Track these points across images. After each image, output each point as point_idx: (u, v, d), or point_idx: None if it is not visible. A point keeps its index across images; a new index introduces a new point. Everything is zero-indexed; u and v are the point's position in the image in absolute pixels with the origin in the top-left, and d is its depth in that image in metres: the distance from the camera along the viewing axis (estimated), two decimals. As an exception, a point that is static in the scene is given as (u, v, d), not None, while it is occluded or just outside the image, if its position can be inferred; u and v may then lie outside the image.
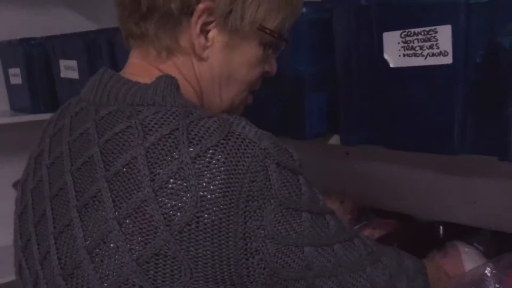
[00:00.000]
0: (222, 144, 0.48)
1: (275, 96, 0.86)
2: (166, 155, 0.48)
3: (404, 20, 0.67)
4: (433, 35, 0.64)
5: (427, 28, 0.64)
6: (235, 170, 0.47)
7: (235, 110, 0.63)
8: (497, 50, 0.61)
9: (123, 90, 0.55)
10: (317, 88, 0.83)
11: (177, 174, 0.47)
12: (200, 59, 0.59)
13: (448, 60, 0.64)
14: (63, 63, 1.33)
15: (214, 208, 0.47)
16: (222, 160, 0.47)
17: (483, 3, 0.61)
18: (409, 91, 0.69)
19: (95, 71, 1.31)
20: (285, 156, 0.52)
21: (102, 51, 1.22)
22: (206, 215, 0.47)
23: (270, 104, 0.87)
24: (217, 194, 0.47)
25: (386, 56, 0.70)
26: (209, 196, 0.47)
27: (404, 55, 0.68)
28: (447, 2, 0.63)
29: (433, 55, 0.65)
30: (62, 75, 1.35)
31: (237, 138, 0.49)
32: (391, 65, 0.69)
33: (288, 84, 0.84)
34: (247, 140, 0.49)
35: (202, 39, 0.57)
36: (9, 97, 1.58)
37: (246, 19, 0.57)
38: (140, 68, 0.59)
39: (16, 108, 1.58)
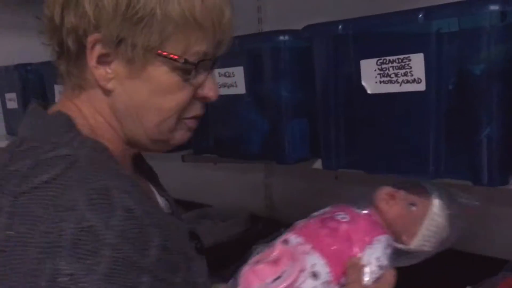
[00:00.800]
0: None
1: (258, 121, 0.88)
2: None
3: (380, 48, 0.69)
4: (407, 62, 0.66)
5: (401, 56, 0.67)
6: None
7: (170, 139, 0.62)
8: (468, 77, 0.63)
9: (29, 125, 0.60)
10: (298, 113, 0.85)
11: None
12: (107, 91, 0.58)
13: (421, 87, 0.65)
14: (57, 88, 1.36)
15: None
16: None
17: (453, 32, 0.63)
18: (386, 116, 0.71)
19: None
20: None
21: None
22: None
23: (254, 129, 0.89)
24: None
25: (363, 82, 0.72)
26: None
27: (380, 81, 0.70)
28: (419, 31, 0.65)
29: (407, 82, 0.67)
30: (57, 100, 1.37)
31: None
32: (368, 92, 0.71)
33: (271, 109, 0.86)
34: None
35: (102, 71, 0.57)
36: (5, 121, 1.61)
37: (138, 47, 0.56)
38: (61, 103, 0.61)
39: (12, 132, 1.60)
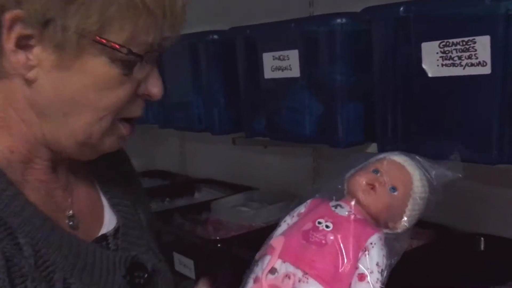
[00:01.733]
0: None
1: (312, 104, 0.88)
2: None
3: (442, 30, 0.68)
4: (472, 45, 0.65)
5: (466, 39, 0.65)
6: None
7: (100, 144, 0.55)
8: (537, 60, 0.61)
9: None
10: (353, 97, 0.85)
11: None
12: (27, 81, 0.50)
13: (486, 70, 0.64)
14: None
15: None
16: None
17: (523, 13, 0.61)
18: (447, 100, 0.69)
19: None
20: None
21: (149, 60, 1.27)
22: None
23: (307, 112, 0.90)
24: None
25: (424, 66, 0.71)
26: None
27: (442, 65, 0.68)
28: (486, 13, 0.63)
29: (472, 65, 0.65)
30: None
31: None
32: (429, 75, 0.70)
33: (325, 92, 0.86)
34: None
35: (21, 56, 0.48)
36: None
37: (71, 30, 0.47)
38: None
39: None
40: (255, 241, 1.12)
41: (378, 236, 0.60)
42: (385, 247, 0.60)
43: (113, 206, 0.64)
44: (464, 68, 0.66)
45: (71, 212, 0.59)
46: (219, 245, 1.10)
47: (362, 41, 0.81)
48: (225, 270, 1.11)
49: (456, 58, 0.66)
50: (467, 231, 1.05)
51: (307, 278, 0.56)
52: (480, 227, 1.03)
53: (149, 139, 1.95)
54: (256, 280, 0.60)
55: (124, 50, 0.49)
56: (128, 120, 0.55)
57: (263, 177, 1.53)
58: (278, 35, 0.93)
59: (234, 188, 1.56)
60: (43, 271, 0.51)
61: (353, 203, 0.61)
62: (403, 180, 0.62)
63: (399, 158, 0.64)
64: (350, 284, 0.56)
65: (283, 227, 0.64)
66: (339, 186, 0.63)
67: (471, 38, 0.64)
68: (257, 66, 0.97)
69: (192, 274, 1.19)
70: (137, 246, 0.63)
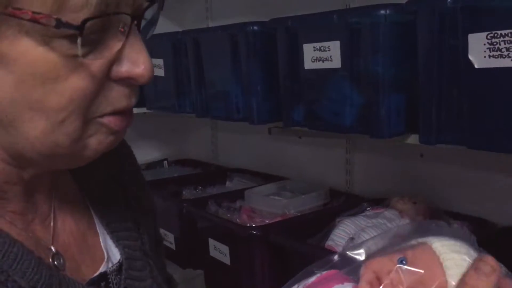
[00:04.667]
0: None
1: (353, 95, 0.89)
2: None
3: (490, 22, 0.68)
4: (521, 37, 0.65)
5: (515, 30, 0.65)
6: None
7: (81, 150, 0.42)
8: None
9: None
10: (395, 88, 0.85)
11: None
12: None
13: (535, 61, 0.64)
14: (150, 61, 1.44)
15: None
16: None
17: None
18: (493, 92, 0.70)
19: (180, 69, 1.41)
20: None
21: (187, 50, 1.30)
22: None
23: (348, 103, 0.91)
24: None
25: (471, 57, 0.71)
26: None
27: (489, 56, 0.69)
28: (536, 4, 0.63)
29: (520, 56, 0.65)
30: (149, 72, 1.45)
31: None
32: (476, 66, 0.70)
33: (366, 84, 0.87)
34: None
35: None
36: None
37: None
38: None
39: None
40: (289, 228, 1.15)
41: None
42: None
43: (112, 234, 0.54)
44: (512, 60, 0.66)
45: (53, 248, 0.48)
46: (254, 231, 1.12)
47: (405, 33, 0.82)
48: (260, 256, 1.14)
49: (504, 50, 0.67)
50: (502, 224, 1.05)
51: None
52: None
53: (181, 129, 1.99)
54: None
55: (52, 21, 0.34)
56: (116, 113, 0.42)
57: (295, 168, 1.55)
58: (319, 26, 0.95)
59: (266, 178, 1.58)
60: None
61: None
62: (433, 286, 0.42)
63: (441, 249, 0.44)
64: None
65: None
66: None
67: (520, 29, 0.65)
68: (297, 57, 0.98)
69: (227, 260, 1.21)
70: (140, 281, 0.54)
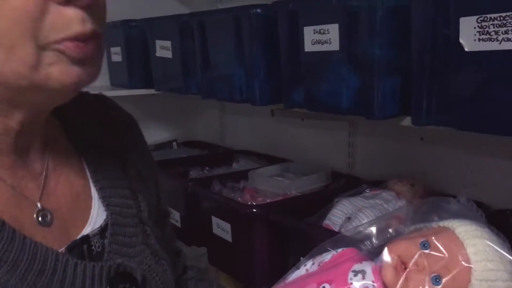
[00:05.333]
0: None
1: (351, 77, 0.91)
2: None
3: (480, 5, 0.70)
4: (509, 20, 0.66)
5: (503, 14, 0.67)
6: None
7: (42, 80, 0.41)
8: None
9: None
10: (390, 71, 0.87)
11: None
12: None
13: (522, 45, 0.66)
14: (158, 43, 1.47)
15: None
16: None
17: (562, -11, 0.62)
18: (483, 74, 0.71)
19: (187, 50, 1.43)
20: None
21: (193, 32, 1.32)
22: None
23: (346, 85, 0.93)
24: None
25: (461, 40, 0.72)
26: None
27: (479, 39, 0.70)
28: (524, -12, 0.65)
29: (508, 40, 0.67)
30: (157, 54, 1.48)
31: None
32: (466, 49, 0.72)
33: (363, 66, 0.89)
34: None
35: None
36: (110, 73, 1.76)
37: None
38: None
39: (115, 84, 1.75)
40: (289, 208, 1.18)
41: None
42: None
43: (104, 198, 0.55)
44: (500, 43, 0.68)
45: (39, 205, 0.50)
46: (255, 210, 1.16)
47: (401, 16, 0.83)
48: (260, 234, 1.17)
49: (493, 33, 0.68)
50: (497, 207, 1.06)
51: None
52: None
53: (190, 111, 2.03)
54: None
55: None
56: (75, 39, 0.40)
57: (299, 150, 1.58)
58: (319, 9, 0.96)
59: (271, 160, 1.61)
60: None
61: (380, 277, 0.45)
62: (456, 271, 0.44)
63: (464, 234, 0.45)
64: None
65: (301, 271, 0.54)
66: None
67: (508, 13, 0.66)
68: (298, 39, 1.00)
69: (229, 237, 1.25)
70: (128, 247, 0.56)
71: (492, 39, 0.69)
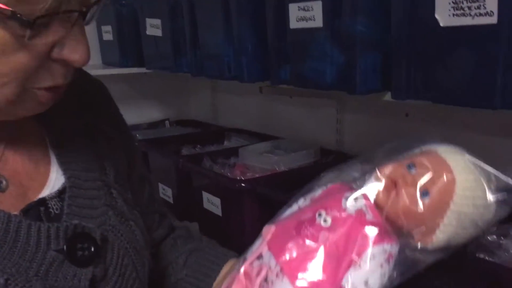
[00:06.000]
0: None
1: (334, 53, 0.94)
2: None
3: (455, -18, 0.72)
4: (481, -4, 0.69)
5: (476, -10, 0.69)
6: None
7: (15, 110, 0.50)
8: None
9: None
10: (372, 47, 0.90)
11: None
12: None
13: (493, 20, 0.68)
14: (149, 21, 1.48)
15: None
16: None
17: (531, -35, 0.64)
18: (456, 49, 0.74)
19: (177, 29, 1.45)
20: None
21: (183, 11, 1.34)
22: None
23: (329, 61, 0.95)
24: None
25: (437, 16, 0.75)
26: None
27: (453, 15, 0.73)
28: (496, -35, 0.67)
29: (480, 15, 0.69)
30: (148, 32, 1.50)
31: None
32: (441, 24, 0.74)
33: (346, 43, 0.91)
34: None
35: None
36: (101, 52, 1.78)
37: None
38: None
39: (106, 62, 1.76)
40: (277, 182, 1.22)
41: (382, 248, 0.48)
42: (389, 264, 0.49)
43: (62, 164, 0.58)
44: (473, 18, 0.70)
45: None
46: (244, 184, 1.19)
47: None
48: (249, 208, 1.21)
49: (466, 8, 0.71)
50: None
51: (282, 276, 0.49)
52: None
53: (183, 90, 2.05)
54: (243, 261, 0.55)
55: (7, 12, 0.42)
56: (49, 89, 0.49)
57: (289, 128, 1.61)
58: (304, -14, 0.98)
59: (262, 138, 1.64)
60: None
61: (372, 200, 0.50)
62: (442, 183, 0.48)
63: (446, 154, 0.50)
64: None
65: (292, 208, 0.57)
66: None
67: (481, -11, 0.68)
68: (284, 16, 1.02)
69: (219, 212, 1.29)
70: (89, 209, 0.58)
71: (465, 14, 0.71)
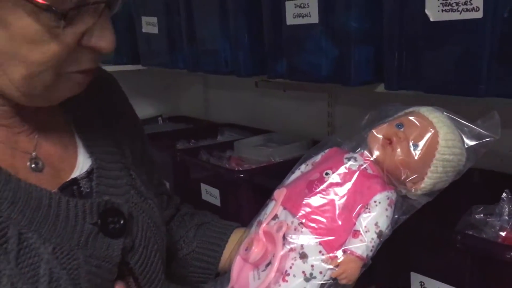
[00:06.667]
0: None
1: (328, 47, 0.99)
2: None
3: (443, -20, 0.78)
4: (468, -7, 0.75)
5: (463, -13, 0.75)
6: None
7: (50, 95, 0.55)
8: (522, 6, 0.71)
9: None
10: (365, 41, 0.95)
11: None
12: None
13: (479, 15, 0.74)
14: (145, 19, 1.52)
15: None
16: None
17: (512, -36, 0.71)
18: (445, 42, 0.80)
19: (173, 26, 1.48)
20: None
21: (179, 9, 1.38)
22: None
23: (324, 55, 1.01)
24: None
25: (427, 11, 0.81)
26: None
27: (442, 10, 0.79)
28: (481, -36, 0.73)
29: (467, 10, 0.75)
30: (144, 30, 1.53)
31: None
32: (431, 19, 0.81)
33: (340, 37, 0.97)
34: None
35: None
36: (96, 50, 1.80)
37: None
38: None
39: (101, 60, 1.79)
40: (273, 172, 1.27)
41: (385, 195, 0.57)
42: (392, 208, 0.57)
43: (88, 147, 0.64)
44: (460, 13, 0.76)
45: (34, 153, 0.58)
46: (241, 175, 1.24)
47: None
48: (247, 197, 1.26)
49: (454, 4, 0.77)
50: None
51: (302, 228, 0.55)
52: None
53: (175, 87, 2.08)
54: (258, 224, 0.61)
55: (43, 5, 0.46)
56: (82, 72, 0.54)
57: (281, 121, 1.66)
58: (299, -16, 1.04)
59: (254, 132, 1.69)
60: None
61: (369, 157, 0.59)
62: (428, 137, 0.57)
63: (428, 113, 0.60)
64: (345, 239, 0.56)
65: (296, 174, 0.66)
66: (365, 136, 0.62)
67: (467, -14, 0.75)
68: (280, 13, 1.07)
69: (217, 202, 1.34)
70: (114, 188, 0.63)
71: (454, 10, 0.77)
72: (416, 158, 0.57)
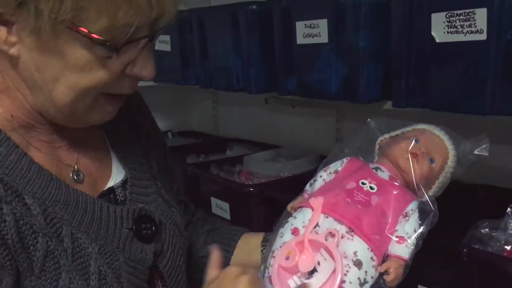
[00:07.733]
0: None
1: (338, 66, 1.03)
2: None
3: (449, 3, 0.82)
4: (472, 16, 0.78)
5: (467, 10, 0.79)
6: None
7: (86, 118, 0.59)
8: (525, 28, 0.74)
9: None
10: (374, 59, 0.99)
11: None
12: (12, 57, 0.53)
13: (483, 36, 0.78)
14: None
15: None
16: None
17: (515, -10, 0.74)
18: (451, 62, 0.84)
19: (185, 44, 1.53)
20: None
21: (192, 27, 1.43)
22: None
23: (334, 73, 1.04)
24: None
25: (433, 33, 0.85)
26: None
27: (448, 32, 0.82)
28: (484, -11, 0.77)
29: (471, 32, 0.79)
30: (157, 48, 1.58)
31: None
32: (437, 40, 0.84)
33: (349, 56, 1.00)
34: None
35: (2, 32, 0.51)
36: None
37: (44, 15, 0.48)
38: None
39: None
40: (283, 186, 1.30)
41: (416, 204, 0.63)
42: (418, 214, 0.62)
43: (121, 159, 0.69)
44: (465, 35, 0.80)
45: (76, 167, 0.63)
46: (252, 189, 1.27)
47: (382, 12, 0.95)
48: (256, 211, 1.29)
49: (459, 27, 0.80)
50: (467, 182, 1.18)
51: (352, 236, 0.58)
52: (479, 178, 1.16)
53: (185, 102, 2.12)
54: (295, 231, 0.61)
55: (99, 40, 0.50)
56: (115, 95, 0.58)
57: (290, 137, 1.70)
58: (309, 5, 1.08)
59: (263, 147, 1.72)
60: (52, 227, 0.55)
61: (387, 164, 0.65)
62: (441, 153, 0.67)
63: (438, 131, 0.69)
64: (388, 245, 0.60)
65: (319, 181, 0.69)
66: (375, 149, 0.71)
67: (471, 10, 0.78)
68: (291, 33, 1.11)
69: (227, 216, 1.37)
70: (145, 196, 0.68)
71: (458, 32, 0.81)
72: (436, 170, 0.66)
